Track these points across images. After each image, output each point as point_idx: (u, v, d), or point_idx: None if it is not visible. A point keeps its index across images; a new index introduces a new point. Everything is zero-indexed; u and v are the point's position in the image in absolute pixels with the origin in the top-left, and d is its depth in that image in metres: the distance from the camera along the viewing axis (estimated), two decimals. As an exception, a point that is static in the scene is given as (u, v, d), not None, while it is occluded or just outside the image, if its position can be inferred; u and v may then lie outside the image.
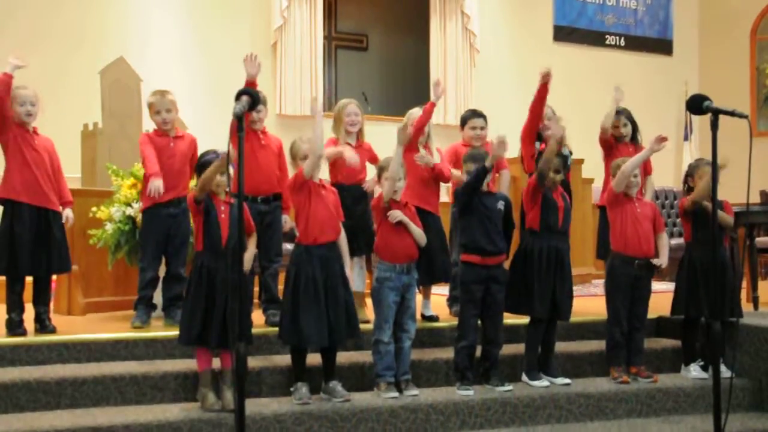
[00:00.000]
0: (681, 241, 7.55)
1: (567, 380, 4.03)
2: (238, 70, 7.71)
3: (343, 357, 3.92)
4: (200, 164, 3.69)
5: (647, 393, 4.04)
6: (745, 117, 2.89)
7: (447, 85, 8.93)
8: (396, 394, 3.75)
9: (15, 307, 4.15)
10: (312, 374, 3.76)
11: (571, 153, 4.63)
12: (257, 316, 4.47)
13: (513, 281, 4.00)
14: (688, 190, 4.30)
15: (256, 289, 4.75)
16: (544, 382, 3.97)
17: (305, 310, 3.57)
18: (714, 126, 2.93)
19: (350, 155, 4.42)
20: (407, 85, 9.53)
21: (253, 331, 4.02)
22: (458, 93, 8.93)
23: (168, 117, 4.45)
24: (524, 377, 4.04)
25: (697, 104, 2.99)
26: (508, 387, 3.91)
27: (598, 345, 4.39)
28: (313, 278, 3.60)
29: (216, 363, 3.63)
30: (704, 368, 4.20)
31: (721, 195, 4.78)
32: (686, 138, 9.85)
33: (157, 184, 4.29)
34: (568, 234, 4.12)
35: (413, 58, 9.51)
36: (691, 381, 4.16)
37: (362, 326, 4.40)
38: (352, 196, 4.60)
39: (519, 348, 4.29)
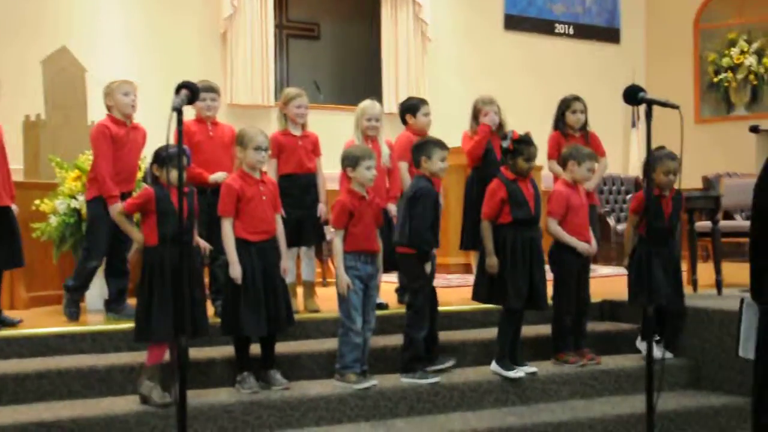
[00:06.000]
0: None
1: (534, 368, 4.04)
2: (188, 60, 7.75)
3: (282, 346, 3.92)
4: (160, 159, 3.60)
5: (590, 375, 4.14)
6: (677, 107, 2.97)
7: (398, 74, 8.97)
8: (371, 383, 3.76)
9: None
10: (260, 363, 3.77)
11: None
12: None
13: (486, 272, 3.99)
14: (649, 181, 4.34)
15: (206, 279, 4.73)
16: (518, 373, 3.98)
17: (244, 300, 3.59)
18: (648, 116, 3.02)
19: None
20: (359, 74, 9.52)
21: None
22: (410, 82, 8.95)
23: (136, 102, 4.40)
24: (495, 366, 4.01)
25: (632, 95, 3.07)
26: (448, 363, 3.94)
27: (545, 329, 4.47)
28: (251, 270, 3.62)
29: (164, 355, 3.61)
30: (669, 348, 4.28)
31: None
32: (633, 125, 10.05)
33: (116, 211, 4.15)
34: (539, 222, 4.14)
35: (365, 47, 9.50)
36: (633, 362, 4.26)
37: (312, 315, 4.47)
38: (301, 186, 4.61)
39: (466, 334, 4.38)
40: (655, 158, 4.19)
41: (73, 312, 4.33)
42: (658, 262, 4.18)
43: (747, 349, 2.77)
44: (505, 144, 4.01)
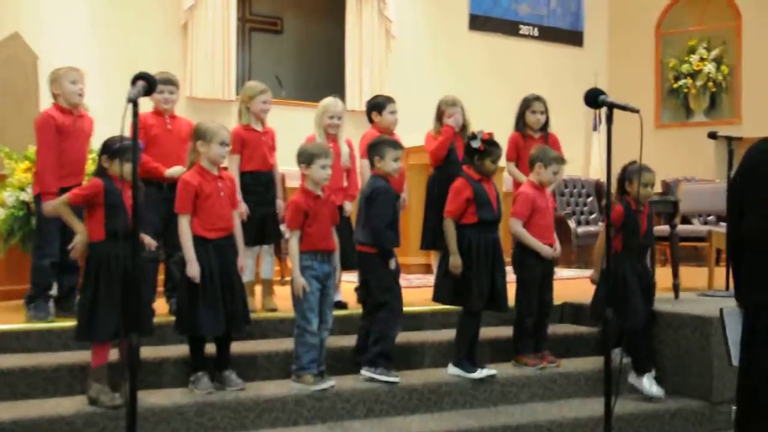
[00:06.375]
0: (590, 228, 7.88)
1: (493, 371, 4.01)
2: (147, 51, 7.60)
3: (237, 346, 3.85)
4: (111, 151, 3.49)
5: (549, 378, 4.15)
6: (636, 111, 2.99)
7: (362, 71, 8.93)
8: (328, 384, 3.70)
9: None
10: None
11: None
12: (161, 304, 4.37)
13: (451, 274, 3.94)
14: (623, 193, 4.23)
15: (162, 277, 4.63)
16: (480, 373, 3.94)
17: (201, 299, 3.52)
18: (609, 119, 3.03)
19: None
20: (322, 69, 9.46)
21: (157, 320, 3.93)
22: (374, 79, 8.92)
23: (84, 90, 4.27)
24: (454, 369, 3.98)
25: (593, 98, 3.09)
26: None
27: (504, 331, 4.46)
28: (208, 267, 3.55)
29: (113, 354, 3.50)
30: (658, 380, 4.18)
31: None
32: (595, 128, 10.15)
33: (48, 208, 3.99)
34: (500, 223, 4.12)
35: (329, 43, 9.44)
36: (592, 365, 4.27)
37: (270, 315, 4.41)
38: (264, 183, 4.56)
39: (425, 335, 4.38)
40: (631, 171, 4.14)
41: (43, 316, 4.12)
42: (635, 280, 4.12)
43: (738, 357, 2.79)
44: (476, 144, 3.98)
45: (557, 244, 4.29)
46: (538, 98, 5.03)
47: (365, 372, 3.84)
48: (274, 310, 4.50)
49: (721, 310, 2.85)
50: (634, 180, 4.13)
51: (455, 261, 3.91)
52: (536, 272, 4.19)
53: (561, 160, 4.28)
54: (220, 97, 8.14)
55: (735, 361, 2.80)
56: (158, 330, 3.80)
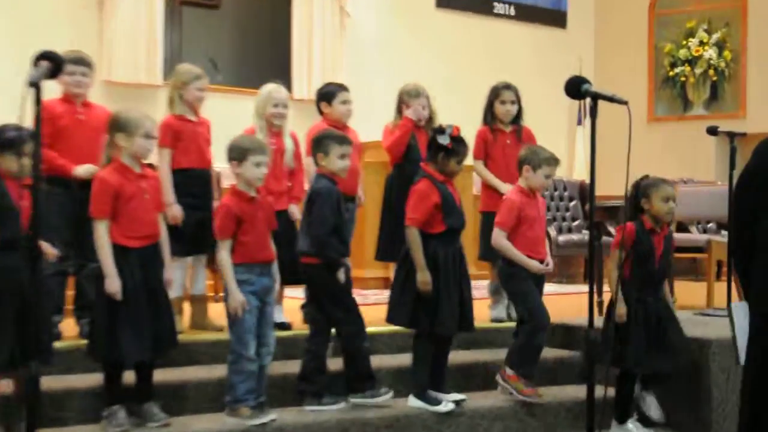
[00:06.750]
0: (572, 236, 7.99)
1: (462, 396, 4.03)
2: (55, 26, 7.50)
3: (161, 374, 3.82)
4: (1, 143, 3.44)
5: (526, 410, 4.18)
6: (624, 103, 3.04)
7: (312, 54, 8.94)
8: (268, 418, 3.70)
9: None
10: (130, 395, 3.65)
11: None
12: (68, 326, 4.32)
13: (410, 291, 3.94)
14: (638, 211, 4.15)
15: (71, 293, 4.57)
16: (448, 405, 3.96)
17: (123, 318, 3.49)
18: (593, 112, 3.08)
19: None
20: (265, 51, 9.45)
21: (64, 344, 3.91)
22: (325, 64, 8.93)
23: None
24: (415, 402, 3.98)
25: (575, 87, 3.13)
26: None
27: (473, 355, 4.51)
28: (131, 281, 3.52)
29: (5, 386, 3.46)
30: (642, 422, 4.17)
31: (612, 187, 5.02)
32: (579, 122, 10.26)
33: None
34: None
35: (273, 20, 9.43)
36: (572, 394, 4.32)
37: (200, 337, 4.39)
38: (203, 182, 4.55)
39: (381, 360, 4.37)
40: (647, 184, 4.08)
41: None
42: (641, 315, 4.05)
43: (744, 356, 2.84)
44: (444, 141, 3.98)
45: (549, 258, 4.27)
46: (507, 87, 5.07)
47: (355, 400, 3.89)
48: (219, 329, 4.46)
49: (730, 306, 2.92)
50: (651, 193, 4.06)
51: (424, 277, 3.90)
52: (531, 284, 4.19)
53: (553, 161, 4.25)
54: (144, 81, 8.07)
55: (742, 360, 2.87)
56: (64, 356, 3.77)
